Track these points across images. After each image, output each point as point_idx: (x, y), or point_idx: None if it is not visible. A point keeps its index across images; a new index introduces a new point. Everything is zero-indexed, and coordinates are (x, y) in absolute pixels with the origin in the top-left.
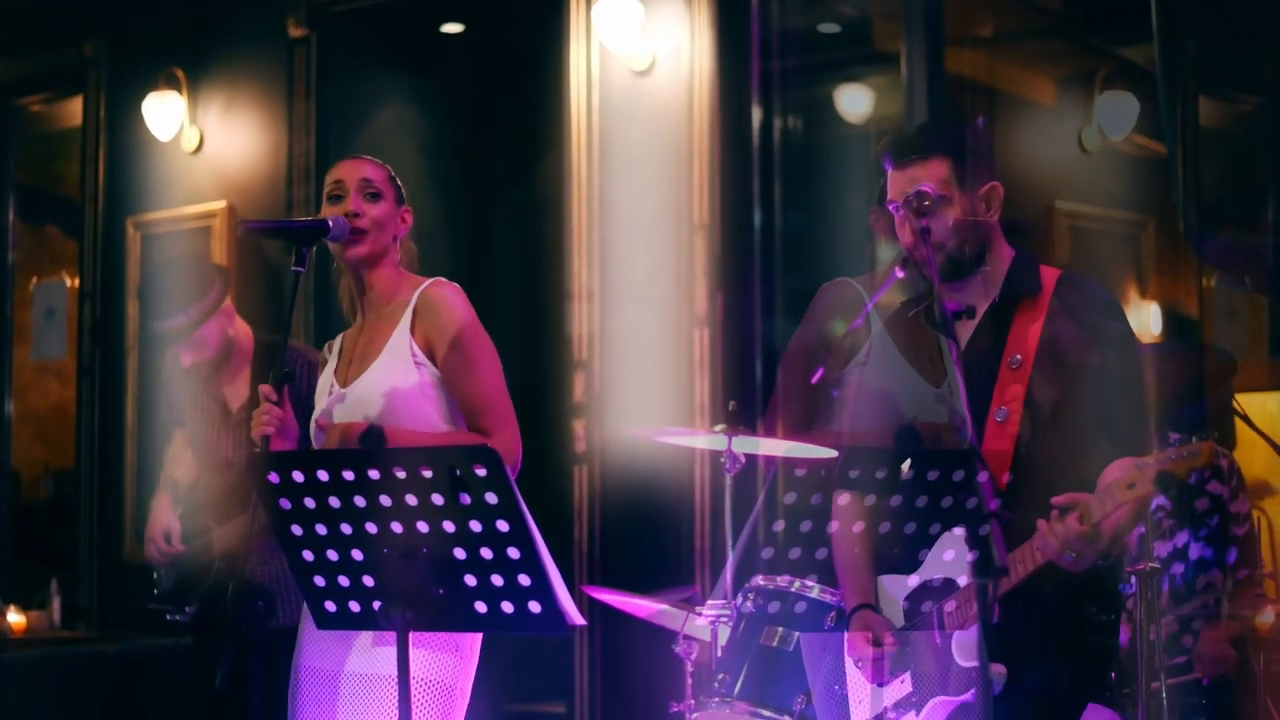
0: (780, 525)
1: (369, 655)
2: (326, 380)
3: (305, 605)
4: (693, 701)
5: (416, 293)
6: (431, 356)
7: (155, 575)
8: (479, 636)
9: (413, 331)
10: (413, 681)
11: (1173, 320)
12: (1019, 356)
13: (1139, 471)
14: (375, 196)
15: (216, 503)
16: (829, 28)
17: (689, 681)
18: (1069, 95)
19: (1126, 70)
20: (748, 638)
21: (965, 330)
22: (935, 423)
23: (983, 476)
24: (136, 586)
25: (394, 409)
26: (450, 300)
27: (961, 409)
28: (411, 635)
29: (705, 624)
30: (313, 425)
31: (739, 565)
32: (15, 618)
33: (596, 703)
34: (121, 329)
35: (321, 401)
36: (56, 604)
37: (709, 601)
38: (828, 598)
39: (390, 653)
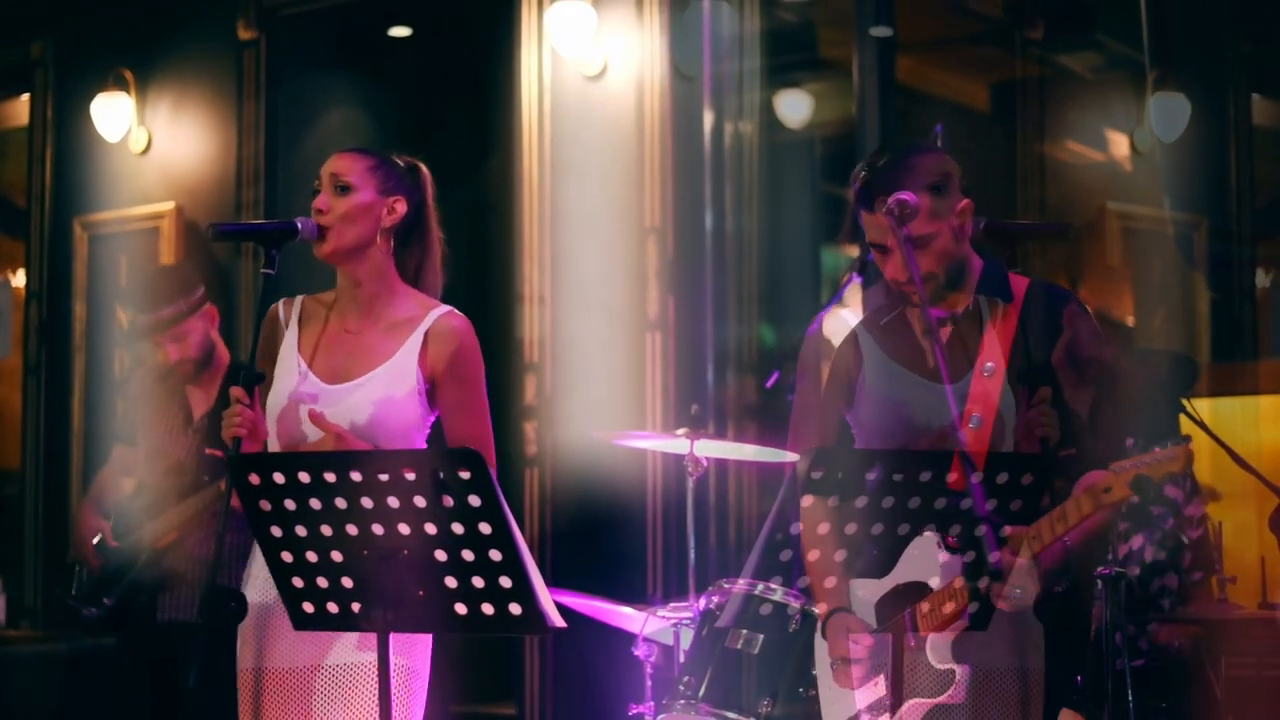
0: (797, 528)
1: (343, 649)
2: (291, 355)
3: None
4: (653, 704)
5: (429, 318)
6: (431, 385)
7: (77, 570)
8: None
9: (421, 358)
10: (367, 668)
11: (1226, 321)
12: (991, 364)
13: (1114, 476)
14: (345, 189)
15: (156, 498)
16: (780, 32)
17: (649, 684)
18: (1117, 98)
19: (1065, 75)
20: (712, 640)
21: (941, 336)
22: (945, 427)
23: (975, 479)
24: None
25: (382, 424)
26: (462, 335)
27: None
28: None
29: (667, 626)
30: (277, 402)
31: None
32: None
33: (548, 704)
34: (68, 329)
35: (288, 378)
36: (1, 603)
37: (670, 604)
38: (791, 600)
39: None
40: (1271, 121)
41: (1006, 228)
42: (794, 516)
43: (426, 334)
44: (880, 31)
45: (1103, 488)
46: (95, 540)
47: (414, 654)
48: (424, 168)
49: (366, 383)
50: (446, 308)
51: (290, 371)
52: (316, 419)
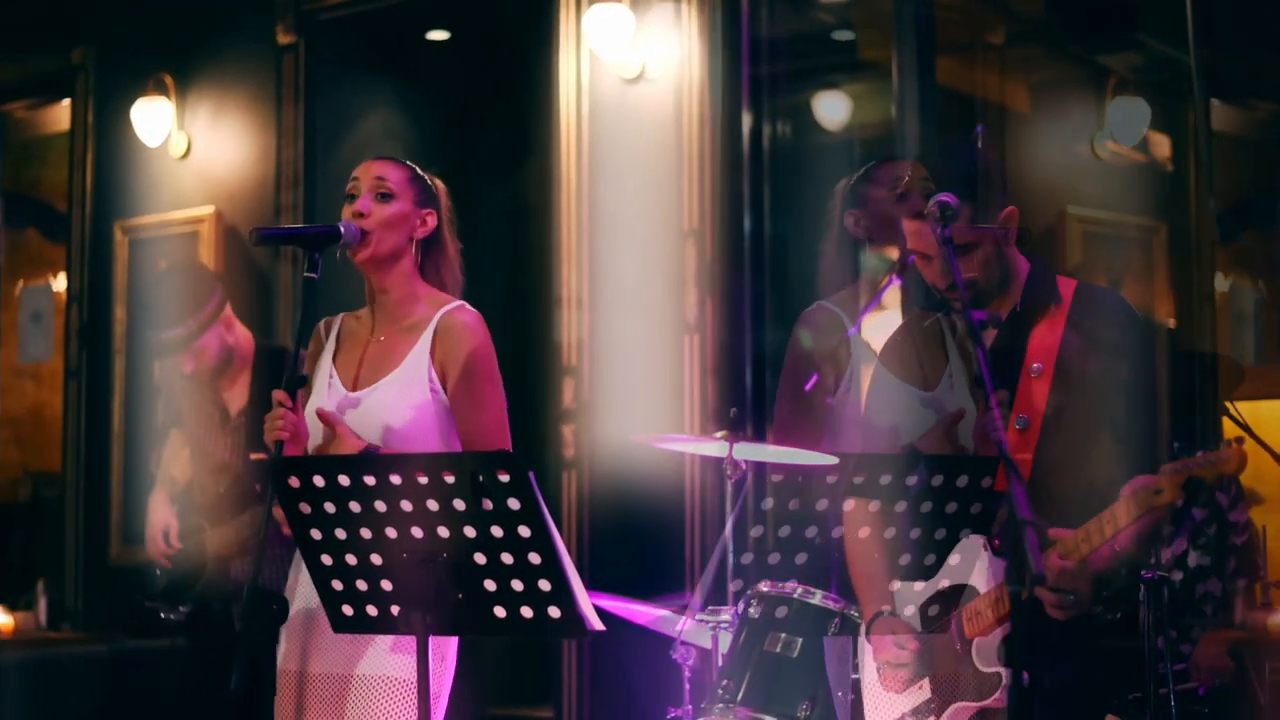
0: (758, 531)
1: (374, 659)
2: (326, 368)
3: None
4: (691, 707)
5: (438, 314)
6: (443, 381)
7: (157, 572)
8: (455, 641)
9: (432, 355)
10: (395, 683)
11: (1183, 326)
12: (1039, 365)
13: (1166, 478)
14: (386, 197)
15: (212, 505)
16: (819, 33)
17: (686, 688)
18: (1072, 103)
19: (1101, 76)
20: (750, 644)
21: (985, 339)
22: (929, 433)
23: (1017, 485)
24: (123, 588)
25: (400, 429)
26: (471, 329)
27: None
28: (394, 640)
29: (705, 630)
30: (308, 411)
31: (717, 571)
32: (2, 618)
33: (585, 707)
34: (108, 333)
35: (321, 390)
36: (43, 605)
37: (709, 607)
38: (830, 604)
39: (397, 657)
40: (1231, 127)
41: (992, 260)
42: (834, 522)
43: (435, 331)
44: (843, 35)
45: (1153, 489)
46: (164, 535)
47: (440, 677)
48: (440, 182)
49: (381, 387)
50: (457, 303)
51: (324, 382)
52: (325, 417)
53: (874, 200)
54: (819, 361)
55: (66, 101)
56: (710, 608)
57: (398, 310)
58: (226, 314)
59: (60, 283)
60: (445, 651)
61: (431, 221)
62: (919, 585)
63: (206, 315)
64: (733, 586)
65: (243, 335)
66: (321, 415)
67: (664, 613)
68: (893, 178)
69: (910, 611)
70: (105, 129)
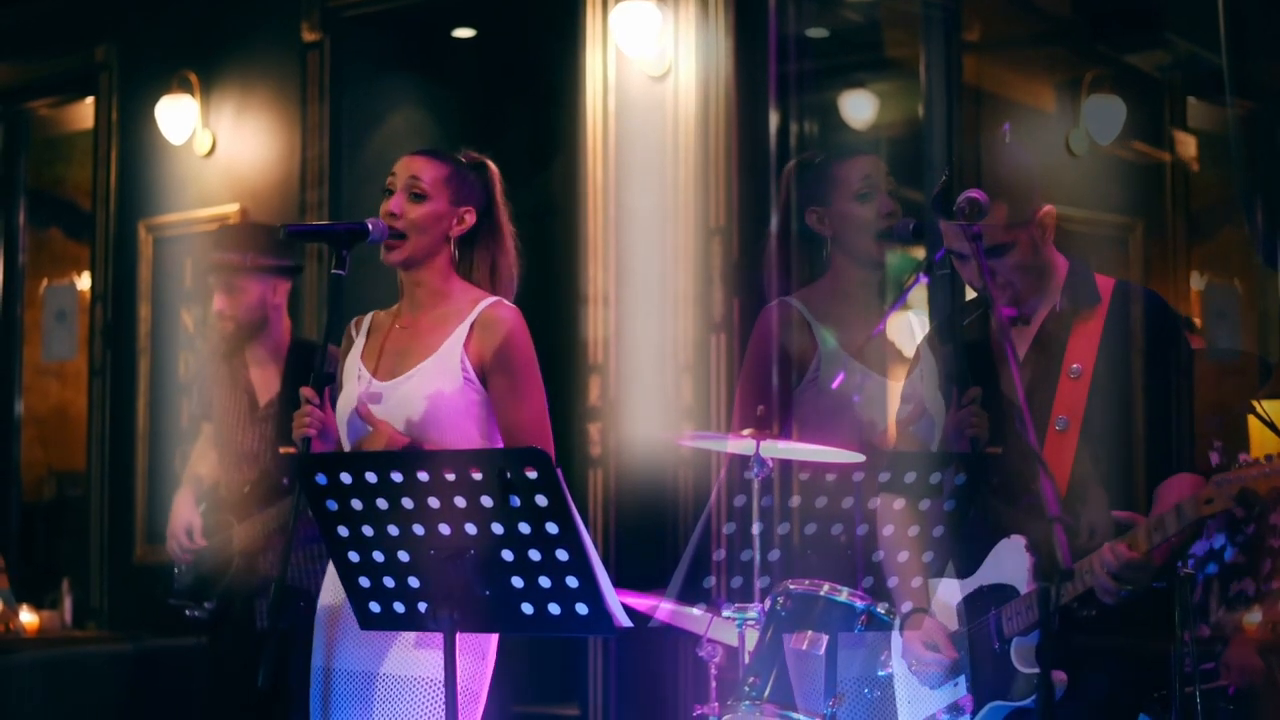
0: (730, 528)
1: (404, 658)
2: (354, 363)
3: (318, 605)
4: (717, 705)
5: (477, 308)
6: (482, 375)
7: (176, 570)
8: (495, 639)
9: (467, 346)
10: (431, 684)
11: None
12: (1078, 366)
13: (1217, 488)
14: (420, 197)
15: (239, 498)
16: (845, 32)
17: (713, 685)
18: (1059, 99)
19: (1128, 75)
20: (777, 641)
21: (1023, 338)
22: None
23: (1046, 483)
24: (147, 587)
25: (434, 418)
26: (511, 323)
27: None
28: (430, 638)
29: (732, 627)
30: (344, 409)
31: (690, 568)
32: (28, 617)
33: (611, 705)
34: (133, 331)
35: (351, 384)
36: (68, 604)
37: (736, 605)
38: (857, 601)
39: (424, 655)
40: (1207, 125)
41: (1027, 264)
42: (863, 519)
43: (473, 324)
44: (817, 33)
45: (1204, 500)
46: (186, 534)
47: (479, 676)
48: (492, 165)
49: (415, 375)
50: (494, 298)
51: (353, 376)
52: (365, 415)
53: (837, 199)
54: (791, 357)
55: (90, 99)
56: (738, 604)
57: (430, 300)
58: (285, 285)
59: (84, 281)
60: (486, 649)
61: (469, 220)
62: (960, 583)
63: (267, 262)
64: (707, 585)
65: (284, 323)
66: (363, 415)
67: (694, 611)
68: (858, 177)
69: (949, 610)
70: (129, 127)
